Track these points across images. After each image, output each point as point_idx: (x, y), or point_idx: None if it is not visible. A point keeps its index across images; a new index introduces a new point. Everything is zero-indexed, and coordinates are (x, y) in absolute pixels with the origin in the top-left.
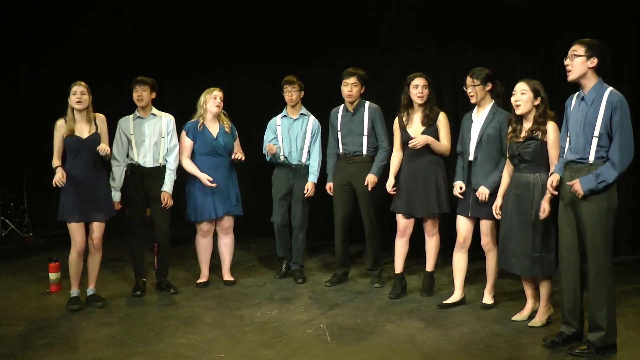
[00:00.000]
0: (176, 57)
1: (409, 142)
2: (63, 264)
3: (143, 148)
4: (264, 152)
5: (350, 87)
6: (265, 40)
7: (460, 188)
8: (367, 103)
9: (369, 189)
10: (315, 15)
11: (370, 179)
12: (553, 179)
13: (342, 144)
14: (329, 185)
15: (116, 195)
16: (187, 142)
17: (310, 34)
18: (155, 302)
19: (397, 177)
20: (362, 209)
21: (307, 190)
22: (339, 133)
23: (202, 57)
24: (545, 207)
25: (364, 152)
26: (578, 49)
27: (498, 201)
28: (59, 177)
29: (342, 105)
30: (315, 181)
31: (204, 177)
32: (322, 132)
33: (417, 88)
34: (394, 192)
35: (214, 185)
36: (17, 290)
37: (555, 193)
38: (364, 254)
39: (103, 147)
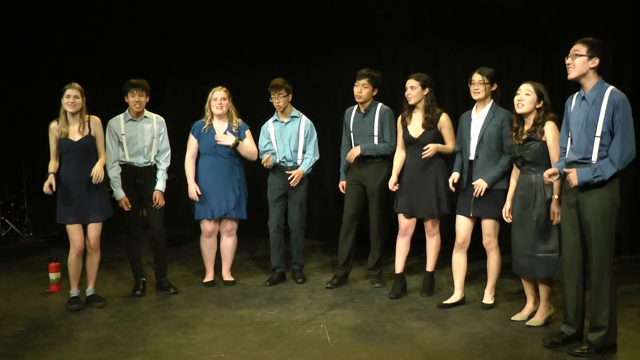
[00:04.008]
0: (176, 57)
1: (422, 154)
2: (63, 264)
3: (135, 150)
4: (260, 157)
5: (360, 88)
6: (265, 40)
7: (453, 181)
8: (380, 105)
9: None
10: (316, 15)
11: (355, 151)
12: (550, 171)
13: (354, 144)
14: (342, 183)
15: (120, 193)
16: (192, 141)
17: (311, 33)
18: (155, 302)
19: (399, 177)
20: (370, 209)
21: (292, 176)
22: (352, 133)
23: (201, 57)
24: (555, 211)
25: None
26: (580, 49)
27: (507, 204)
28: (46, 186)
29: (356, 105)
30: (305, 170)
31: (192, 188)
32: (337, 131)
33: (407, 90)
34: (397, 189)
35: (196, 199)
36: (17, 290)
37: (551, 180)
38: (366, 252)
39: (96, 173)
